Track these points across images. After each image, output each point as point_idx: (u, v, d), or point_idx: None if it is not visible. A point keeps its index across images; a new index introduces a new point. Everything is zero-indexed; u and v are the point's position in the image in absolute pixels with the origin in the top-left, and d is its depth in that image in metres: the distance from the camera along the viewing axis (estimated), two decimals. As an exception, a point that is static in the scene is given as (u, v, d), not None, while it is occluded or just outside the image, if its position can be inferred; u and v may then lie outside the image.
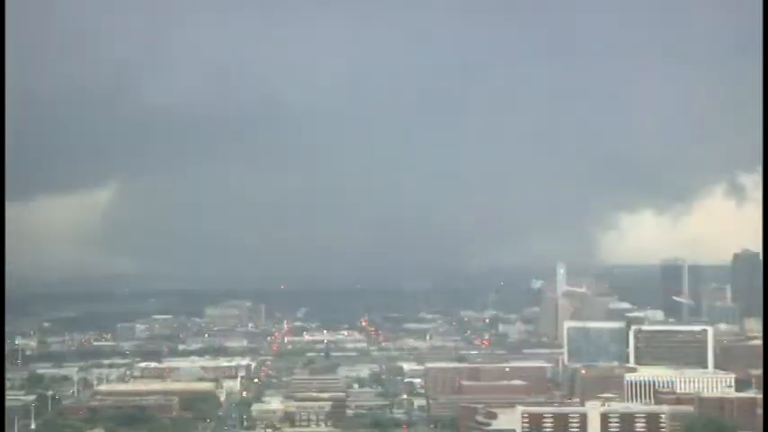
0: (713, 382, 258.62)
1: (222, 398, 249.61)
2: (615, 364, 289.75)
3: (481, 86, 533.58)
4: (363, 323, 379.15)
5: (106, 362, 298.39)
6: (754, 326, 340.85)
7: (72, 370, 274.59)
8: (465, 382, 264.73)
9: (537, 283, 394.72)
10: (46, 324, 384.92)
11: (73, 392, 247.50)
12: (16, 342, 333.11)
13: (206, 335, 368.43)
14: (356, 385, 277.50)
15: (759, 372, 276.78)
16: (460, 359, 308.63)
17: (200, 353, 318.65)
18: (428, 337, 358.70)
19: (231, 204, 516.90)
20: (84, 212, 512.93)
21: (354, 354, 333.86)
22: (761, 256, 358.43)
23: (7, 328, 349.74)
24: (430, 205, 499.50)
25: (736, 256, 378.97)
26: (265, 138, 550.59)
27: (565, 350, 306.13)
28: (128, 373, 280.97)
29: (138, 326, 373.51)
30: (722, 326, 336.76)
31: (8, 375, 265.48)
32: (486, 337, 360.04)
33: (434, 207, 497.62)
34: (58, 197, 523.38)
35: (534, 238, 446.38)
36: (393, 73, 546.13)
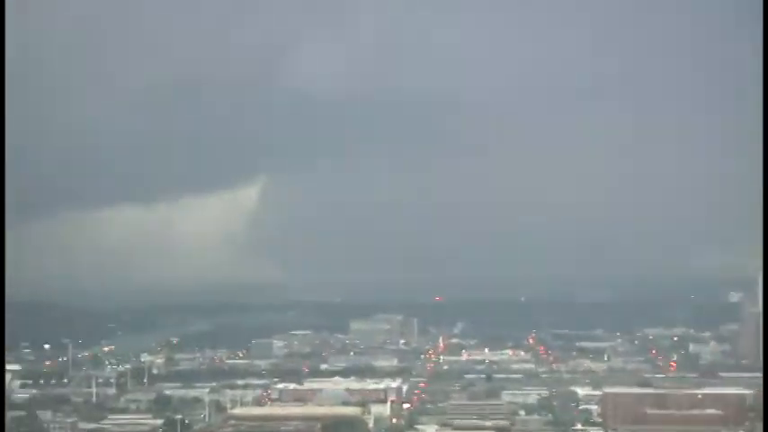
0: None
1: (370, 424, 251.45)
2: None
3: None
4: (530, 341, 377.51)
5: (240, 382, 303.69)
6: None
7: (203, 391, 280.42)
8: (650, 411, 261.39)
9: (735, 296, 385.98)
10: (174, 340, 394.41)
11: (204, 416, 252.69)
12: (142, 359, 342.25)
13: (351, 353, 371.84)
14: (522, 412, 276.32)
15: None
16: (644, 383, 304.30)
17: (344, 373, 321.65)
18: (606, 358, 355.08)
19: (382, 205, 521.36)
20: (228, 213, 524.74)
21: (520, 376, 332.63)
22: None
23: (132, 344, 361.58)
24: (591, 208, 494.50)
25: None
26: (411, 135, 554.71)
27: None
28: (264, 395, 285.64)
29: (275, 342, 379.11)
30: None
31: (133, 396, 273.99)
32: (675, 358, 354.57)
33: (598, 210, 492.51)
34: (203, 197, 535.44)
35: (721, 244, 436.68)
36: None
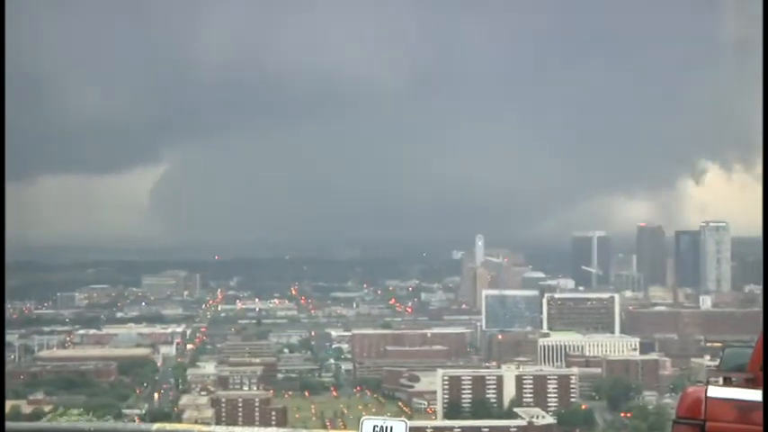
0: (619, 346, 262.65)
1: (159, 363, 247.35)
2: (529, 329, 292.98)
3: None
4: (293, 292, 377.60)
5: (47, 329, 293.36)
6: (658, 293, 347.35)
7: (13, 337, 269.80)
8: (389, 348, 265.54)
9: (458, 254, 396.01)
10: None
11: (14, 358, 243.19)
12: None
13: (143, 303, 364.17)
14: (286, 350, 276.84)
15: (662, 335, 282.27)
16: (385, 326, 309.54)
17: (137, 320, 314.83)
18: (355, 305, 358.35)
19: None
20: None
21: (285, 321, 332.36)
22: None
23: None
24: (365, 179, 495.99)
25: (639, 229, 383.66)
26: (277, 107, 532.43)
27: (483, 317, 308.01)
28: (68, 339, 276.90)
29: (77, 295, 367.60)
30: (628, 293, 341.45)
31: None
32: (410, 304, 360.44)
33: (371, 181, 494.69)
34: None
35: (450, 217, 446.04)
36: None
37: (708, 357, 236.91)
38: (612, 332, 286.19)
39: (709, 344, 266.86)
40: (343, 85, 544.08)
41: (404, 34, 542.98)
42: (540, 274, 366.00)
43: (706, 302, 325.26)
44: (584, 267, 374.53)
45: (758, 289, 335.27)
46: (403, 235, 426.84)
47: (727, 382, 11.32)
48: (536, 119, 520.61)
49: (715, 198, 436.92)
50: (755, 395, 10.89)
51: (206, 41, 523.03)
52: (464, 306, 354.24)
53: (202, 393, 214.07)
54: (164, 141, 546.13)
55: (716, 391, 11.04)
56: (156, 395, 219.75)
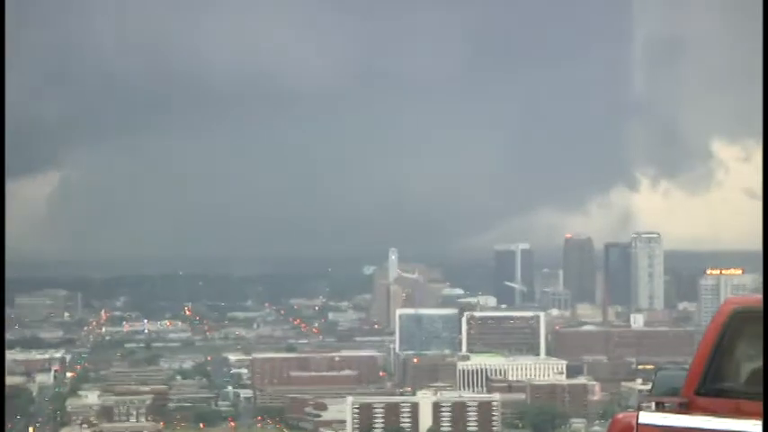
0: (545, 369, 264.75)
1: (34, 392, 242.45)
2: (447, 351, 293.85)
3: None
4: (187, 312, 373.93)
5: None
6: (586, 311, 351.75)
7: None
8: (293, 373, 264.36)
9: (369, 270, 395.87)
10: None
11: None
12: None
13: (16, 326, 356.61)
14: (179, 377, 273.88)
15: (590, 357, 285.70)
16: (289, 348, 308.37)
17: (10, 345, 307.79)
18: (255, 326, 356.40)
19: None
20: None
21: (177, 344, 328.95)
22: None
23: None
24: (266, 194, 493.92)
25: (566, 241, 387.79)
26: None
27: (397, 338, 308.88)
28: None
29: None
30: (554, 311, 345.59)
31: None
32: (316, 325, 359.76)
33: (271, 196, 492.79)
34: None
35: (370, 224, 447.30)
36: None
37: (639, 381, 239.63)
38: (537, 354, 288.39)
39: (640, 366, 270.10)
40: (263, 84, 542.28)
41: (336, 33, 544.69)
42: (460, 291, 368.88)
43: (638, 321, 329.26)
44: (506, 283, 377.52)
45: (693, 306, 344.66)
46: (310, 248, 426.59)
47: (660, 408, 11.24)
48: (466, 123, 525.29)
49: (646, 209, 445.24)
50: (690, 421, 10.86)
51: (116, 34, 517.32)
52: (376, 326, 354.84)
53: (84, 426, 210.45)
54: (66, 143, 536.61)
55: (648, 418, 11.00)
56: (30, 429, 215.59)
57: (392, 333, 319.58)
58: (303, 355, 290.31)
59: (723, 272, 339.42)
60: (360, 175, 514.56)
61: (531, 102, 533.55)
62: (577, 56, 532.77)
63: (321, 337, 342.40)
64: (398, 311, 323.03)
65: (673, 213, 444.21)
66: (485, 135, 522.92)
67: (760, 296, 11.44)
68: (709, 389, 11.24)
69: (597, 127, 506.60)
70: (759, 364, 11.15)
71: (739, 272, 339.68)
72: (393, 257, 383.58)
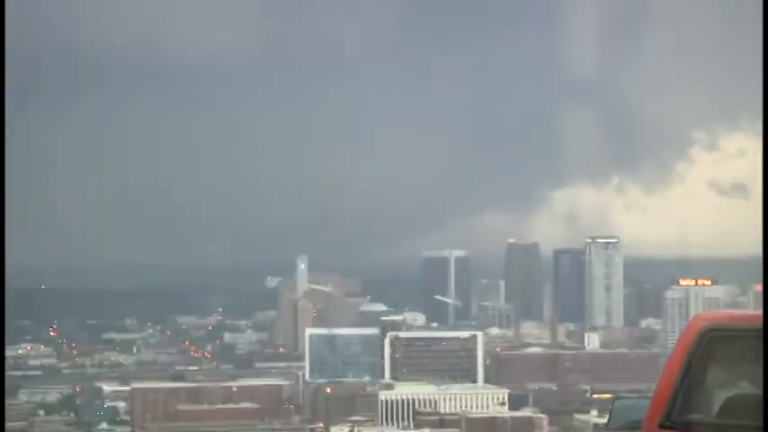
0: (483, 399, 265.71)
1: None
2: (368, 379, 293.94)
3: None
4: (52, 333, 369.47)
5: None
6: (532, 330, 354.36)
7: None
8: (182, 406, 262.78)
9: (273, 282, 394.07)
10: None
11: None
12: None
13: None
14: (42, 412, 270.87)
15: (537, 385, 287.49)
16: (177, 377, 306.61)
17: None
18: (135, 350, 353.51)
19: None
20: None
21: (39, 373, 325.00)
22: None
23: None
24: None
25: (509, 247, 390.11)
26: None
27: (307, 364, 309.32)
28: None
29: None
30: (494, 330, 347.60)
31: None
32: (210, 348, 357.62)
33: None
34: None
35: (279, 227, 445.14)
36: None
37: (594, 413, 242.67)
38: (475, 381, 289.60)
39: (596, 395, 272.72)
40: (167, 60, 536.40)
41: (249, 3, 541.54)
42: (382, 307, 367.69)
43: (593, 341, 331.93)
44: (438, 297, 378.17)
45: (657, 324, 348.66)
46: (201, 256, 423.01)
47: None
48: (395, 108, 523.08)
49: (602, 209, 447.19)
50: None
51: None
52: (281, 350, 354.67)
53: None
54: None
55: (605, 455, 11.12)
56: None
57: (301, 357, 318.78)
58: (193, 385, 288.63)
59: (693, 283, 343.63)
60: (266, 167, 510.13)
61: (468, 83, 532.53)
62: (523, 28, 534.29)
63: (215, 362, 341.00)
64: (308, 331, 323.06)
65: (633, 214, 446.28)
66: (416, 122, 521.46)
67: (735, 312, 11.69)
68: (675, 421, 11.25)
69: (546, 112, 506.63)
70: (734, 391, 11.25)
71: (712, 283, 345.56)
72: (302, 266, 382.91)
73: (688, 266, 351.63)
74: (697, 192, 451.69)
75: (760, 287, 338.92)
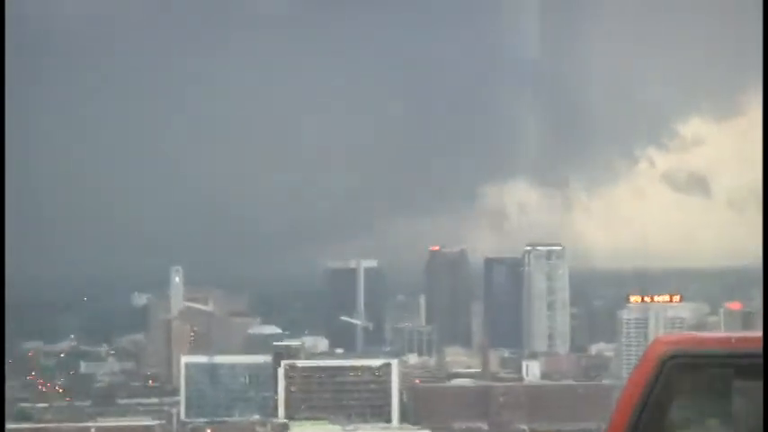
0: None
1: None
2: (257, 418, 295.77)
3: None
4: None
5: None
6: (459, 357, 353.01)
7: None
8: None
9: (141, 298, 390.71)
10: None
11: None
12: None
13: None
14: None
15: (465, 425, 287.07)
16: (21, 416, 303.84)
17: None
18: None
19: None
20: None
21: None
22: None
23: None
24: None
25: (431, 256, 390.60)
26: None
27: (182, 399, 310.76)
28: None
29: None
30: (413, 358, 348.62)
31: None
32: (61, 380, 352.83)
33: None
34: None
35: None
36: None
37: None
38: (389, 421, 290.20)
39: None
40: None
41: None
42: (276, 330, 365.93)
43: (532, 371, 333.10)
44: (344, 318, 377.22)
45: (610, 349, 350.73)
46: (52, 266, 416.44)
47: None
48: (298, 88, 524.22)
49: (543, 212, 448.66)
50: None
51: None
52: (152, 382, 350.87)
53: None
54: None
55: None
56: None
57: (175, 392, 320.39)
58: (41, 426, 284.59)
59: (652, 299, 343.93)
60: (137, 161, 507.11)
61: (389, 62, 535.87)
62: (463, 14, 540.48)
63: (68, 398, 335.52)
64: (184, 359, 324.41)
65: (580, 216, 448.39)
66: (323, 105, 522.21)
67: (702, 334, 11.79)
68: (631, 467, 11.56)
69: (478, 98, 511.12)
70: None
71: (677, 299, 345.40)
72: (177, 280, 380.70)
73: (646, 279, 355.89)
74: (651, 189, 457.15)
75: (733, 304, 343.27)
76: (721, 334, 11.82)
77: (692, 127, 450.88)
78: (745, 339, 11.53)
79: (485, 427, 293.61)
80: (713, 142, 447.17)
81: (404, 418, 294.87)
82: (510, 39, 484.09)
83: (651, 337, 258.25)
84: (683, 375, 11.51)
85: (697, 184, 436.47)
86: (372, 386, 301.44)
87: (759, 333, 11.45)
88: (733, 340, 11.56)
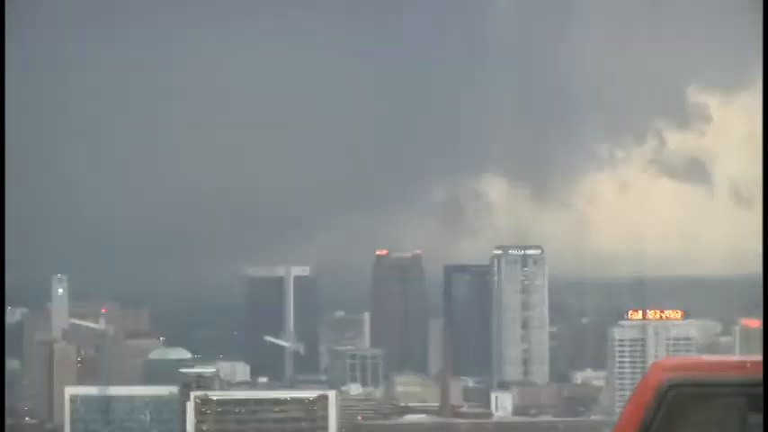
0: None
1: None
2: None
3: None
4: None
5: None
6: (412, 387, 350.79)
7: None
8: None
9: (15, 314, 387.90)
10: None
11: None
12: None
13: None
14: None
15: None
16: None
17: None
18: None
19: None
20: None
21: None
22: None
23: None
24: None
25: (377, 261, 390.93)
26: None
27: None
28: None
29: None
30: (355, 389, 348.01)
31: None
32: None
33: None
34: None
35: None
36: None
37: None
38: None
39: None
40: None
41: None
42: (184, 354, 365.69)
43: (503, 404, 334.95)
44: (268, 339, 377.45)
45: (599, 377, 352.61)
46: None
47: None
48: (240, 70, 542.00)
49: (516, 210, 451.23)
50: None
51: None
52: (28, 419, 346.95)
53: None
54: None
55: None
56: None
57: (58, 430, 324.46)
58: None
59: (653, 315, 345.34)
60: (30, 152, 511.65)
61: (344, 45, 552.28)
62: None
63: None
64: (69, 390, 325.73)
65: (562, 214, 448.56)
66: (265, 91, 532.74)
67: (708, 358, 12.14)
68: None
69: (439, 84, 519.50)
70: None
71: (678, 315, 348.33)
72: (60, 291, 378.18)
73: (645, 290, 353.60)
74: (645, 181, 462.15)
75: (750, 321, 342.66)
76: (733, 358, 11.72)
77: (694, 105, 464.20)
78: (762, 364, 11.32)
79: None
80: (718, 121, 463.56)
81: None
82: (482, 27, 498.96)
83: (649, 363, 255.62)
84: (687, 407, 11.51)
85: (695, 171, 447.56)
86: (303, 424, 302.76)
87: None
88: (748, 365, 11.47)
